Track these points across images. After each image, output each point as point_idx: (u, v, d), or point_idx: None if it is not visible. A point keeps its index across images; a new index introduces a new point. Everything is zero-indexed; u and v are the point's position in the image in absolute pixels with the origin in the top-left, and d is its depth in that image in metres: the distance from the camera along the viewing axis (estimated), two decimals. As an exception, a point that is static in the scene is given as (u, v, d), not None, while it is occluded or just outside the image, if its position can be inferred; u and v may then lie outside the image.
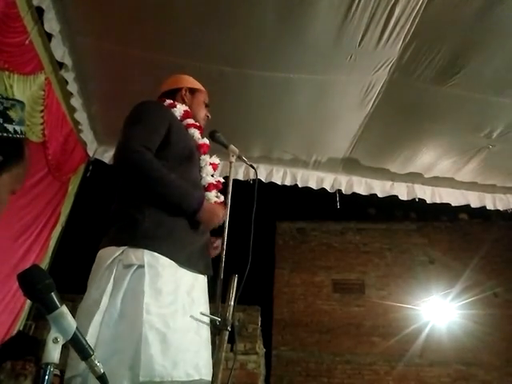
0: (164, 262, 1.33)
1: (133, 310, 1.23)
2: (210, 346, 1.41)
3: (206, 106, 1.85)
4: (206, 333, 1.40)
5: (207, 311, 1.46)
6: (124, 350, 1.19)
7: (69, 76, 3.16)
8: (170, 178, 1.43)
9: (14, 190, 0.90)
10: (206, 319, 1.42)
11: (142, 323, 1.20)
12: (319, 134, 3.72)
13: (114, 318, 1.23)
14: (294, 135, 3.75)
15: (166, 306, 1.29)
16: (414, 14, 2.54)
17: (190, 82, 1.85)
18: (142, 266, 1.29)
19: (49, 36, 2.85)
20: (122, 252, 1.32)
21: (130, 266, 1.29)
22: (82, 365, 1.10)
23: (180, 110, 1.69)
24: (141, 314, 1.21)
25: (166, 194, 1.42)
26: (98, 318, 1.21)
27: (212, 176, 1.71)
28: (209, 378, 1.34)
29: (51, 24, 2.77)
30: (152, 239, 1.35)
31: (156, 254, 1.33)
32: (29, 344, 2.70)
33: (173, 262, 1.36)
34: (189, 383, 1.30)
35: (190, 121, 1.71)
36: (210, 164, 1.72)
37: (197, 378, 1.28)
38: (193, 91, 1.81)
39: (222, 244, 1.58)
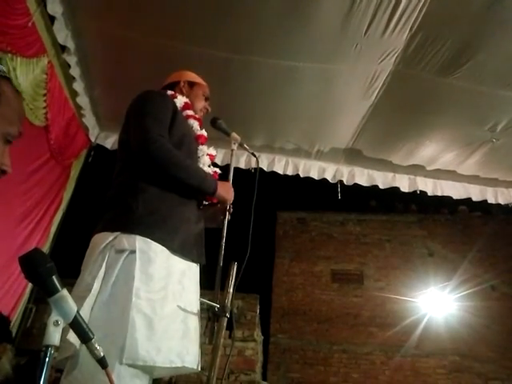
0: (156, 248, 1.34)
1: (123, 294, 1.25)
2: (197, 336, 1.42)
3: (206, 99, 1.87)
4: (193, 322, 1.41)
5: (197, 300, 1.47)
6: (115, 333, 1.20)
7: (71, 59, 3.14)
8: (188, 163, 1.51)
9: (6, 134, 0.84)
10: (195, 308, 1.43)
11: (130, 307, 1.22)
12: (322, 124, 3.70)
13: (106, 302, 1.24)
14: (297, 124, 3.73)
15: (156, 291, 1.30)
16: (421, 4, 2.51)
17: (190, 76, 1.88)
18: (133, 252, 1.30)
19: (51, 18, 2.83)
20: (115, 238, 1.33)
21: (122, 251, 1.31)
22: (74, 347, 1.13)
23: (180, 101, 1.71)
24: (130, 297, 1.23)
25: (186, 177, 1.48)
26: (89, 301, 1.22)
27: (209, 166, 1.73)
28: (193, 366, 1.36)
29: (54, 6, 2.75)
30: (145, 226, 1.35)
31: (148, 240, 1.33)
32: None
33: (165, 249, 1.36)
34: (171, 369, 1.33)
35: (190, 112, 1.74)
36: (208, 155, 1.74)
37: (179, 365, 1.30)
38: (191, 84, 1.84)
39: (223, 230, 1.59)
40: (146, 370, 1.26)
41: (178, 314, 1.35)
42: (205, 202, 1.67)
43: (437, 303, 7.39)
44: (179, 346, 1.31)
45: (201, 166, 1.70)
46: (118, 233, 1.34)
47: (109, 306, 1.24)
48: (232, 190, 1.66)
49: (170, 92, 1.73)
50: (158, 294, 1.30)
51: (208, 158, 1.73)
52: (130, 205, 1.38)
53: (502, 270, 7.48)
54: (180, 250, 1.41)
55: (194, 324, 1.41)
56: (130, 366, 1.19)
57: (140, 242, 1.32)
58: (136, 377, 1.22)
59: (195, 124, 1.72)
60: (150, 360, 1.21)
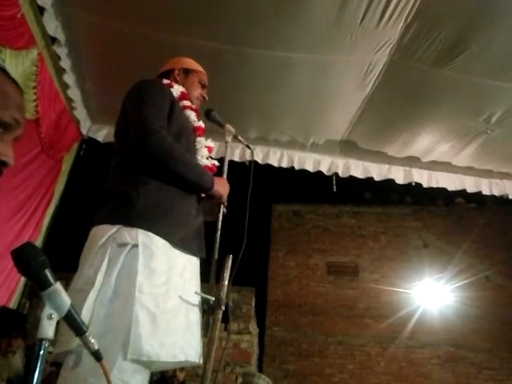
0: (158, 241, 1.33)
1: (126, 289, 1.24)
2: (199, 329, 1.43)
3: (204, 86, 1.82)
4: (195, 315, 1.41)
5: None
6: (117, 328, 1.20)
7: (61, 51, 3.09)
8: (187, 157, 1.48)
9: (16, 119, 0.81)
10: (196, 302, 1.43)
11: (134, 302, 1.21)
12: (317, 116, 3.69)
13: (109, 296, 1.23)
14: (291, 116, 3.71)
15: (159, 286, 1.29)
16: (416, -6, 2.49)
17: (186, 62, 1.83)
18: (136, 246, 1.29)
19: (41, 10, 2.78)
20: (117, 230, 1.32)
21: (124, 244, 1.29)
22: (75, 341, 1.10)
23: (177, 90, 1.67)
24: (134, 292, 1.22)
25: (185, 172, 1.46)
26: (92, 295, 1.21)
27: (207, 159, 1.71)
28: (195, 359, 1.36)
29: (43, -4, 2.70)
30: (147, 219, 1.34)
31: (150, 233, 1.32)
32: (13, 320, 2.70)
33: (166, 243, 1.36)
34: (175, 364, 1.34)
35: (187, 103, 1.70)
36: (206, 147, 1.72)
37: (183, 359, 1.31)
38: (187, 72, 1.79)
39: (218, 223, 1.59)
40: (147, 364, 1.26)
41: (181, 308, 1.35)
42: (203, 195, 1.66)
43: (432, 294, 7.45)
44: (182, 340, 1.32)
45: (199, 158, 1.68)
46: (120, 226, 1.32)
47: (111, 301, 1.23)
48: (228, 185, 1.65)
49: (165, 81, 1.69)
50: (161, 289, 1.29)
51: (206, 150, 1.72)
52: (131, 197, 1.37)
53: (497, 260, 7.56)
54: (180, 243, 1.41)
55: (195, 317, 1.41)
56: (132, 360, 1.19)
57: (142, 236, 1.31)
58: (137, 371, 1.22)
59: (192, 115, 1.69)
60: (154, 355, 1.21)
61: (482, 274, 7.36)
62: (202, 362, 1.39)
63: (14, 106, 0.82)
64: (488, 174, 4.14)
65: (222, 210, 1.63)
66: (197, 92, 1.79)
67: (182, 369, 4.16)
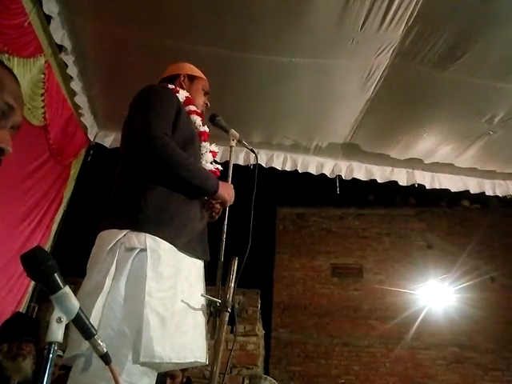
0: (164, 246, 1.35)
1: (135, 293, 1.25)
2: (205, 330, 1.45)
3: (206, 93, 1.85)
4: (200, 317, 1.44)
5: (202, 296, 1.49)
6: (127, 332, 1.21)
7: (68, 59, 3.14)
8: (190, 162, 1.48)
9: (9, 104, 0.81)
10: (201, 304, 1.45)
11: (143, 306, 1.23)
12: (320, 120, 3.71)
13: (117, 301, 1.24)
14: (294, 120, 3.73)
15: (166, 289, 1.31)
16: (416, -3, 2.51)
17: (190, 69, 1.85)
18: (144, 250, 1.31)
19: (48, 18, 2.82)
20: (125, 235, 1.33)
21: (132, 249, 1.31)
22: (85, 344, 1.12)
23: (182, 95, 1.69)
24: (143, 297, 1.24)
25: (189, 176, 1.46)
26: (101, 299, 1.23)
27: (211, 163, 1.74)
28: (202, 360, 1.39)
29: (50, 6, 2.74)
30: (154, 224, 1.36)
31: (157, 238, 1.34)
32: (26, 325, 2.71)
33: (173, 247, 1.37)
34: (182, 365, 1.38)
35: (192, 107, 1.72)
36: (210, 151, 1.74)
37: (192, 360, 1.34)
38: (192, 78, 1.81)
39: (223, 225, 1.61)
40: (155, 366, 1.28)
41: (188, 311, 1.37)
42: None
43: (436, 295, 7.43)
44: (190, 341, 1.34)
45: (203, 163, 1.70)
46: (128, 230, 1.34)
47: (120, 305, 1.24)
48: (233, 191, 1.66)
49: (171, 86, 1.71)
50: (169, 292, 1.32)
51: (210, 154, 1.74)
52: (139, 202, 1.38)
53: (501, 261, 7.52)
54: (186, 247, 1.43)
55: (200, 319, 1.44)
56: (141, 363, 1.20)
57: (150, 241, 1.32)
58: (145, 374, 1.24)
59: (198, 120, 1.71)
60: (166, 357, 1.23)
61: (486, 275, 7.33)
62: (207, 361, 1.42)
63: (8, 91, 0.82)
64: (491, 174, 4.14)
65: (215, 210, 1.65)
66: (201, 99, 1.81)
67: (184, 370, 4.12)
